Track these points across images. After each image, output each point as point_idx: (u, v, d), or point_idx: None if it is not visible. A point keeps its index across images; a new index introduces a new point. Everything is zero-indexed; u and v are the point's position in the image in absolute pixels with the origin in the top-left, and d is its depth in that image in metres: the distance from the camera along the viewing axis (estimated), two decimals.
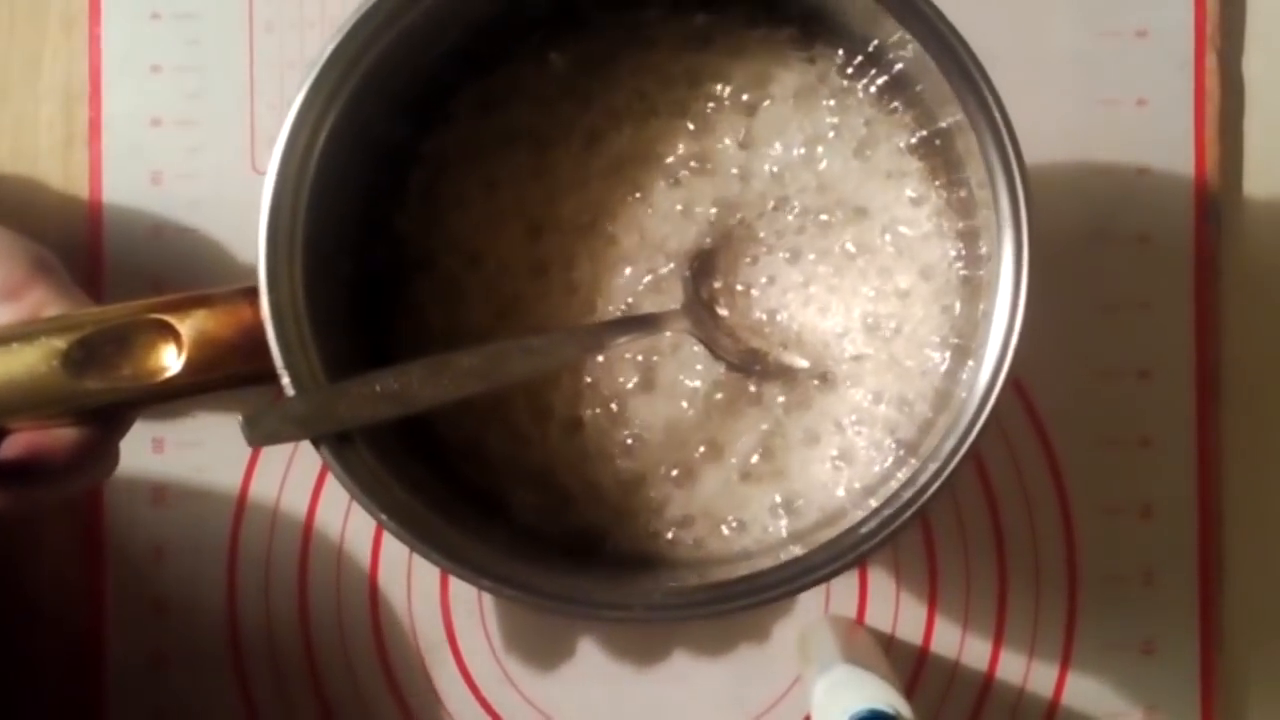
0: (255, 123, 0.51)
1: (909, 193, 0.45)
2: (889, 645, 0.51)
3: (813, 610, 0.51)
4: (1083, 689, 0.51)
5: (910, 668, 0.51)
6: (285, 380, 0.39)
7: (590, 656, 0.51)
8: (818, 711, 0.45)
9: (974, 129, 0.39)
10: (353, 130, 0.40)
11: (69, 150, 0.51)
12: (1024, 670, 0.51)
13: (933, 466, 0.38)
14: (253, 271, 0.39)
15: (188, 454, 0.51)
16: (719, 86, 0.45)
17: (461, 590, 0.51)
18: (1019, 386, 0.51)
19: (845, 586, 0.51)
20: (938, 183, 0.44)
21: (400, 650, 0.51)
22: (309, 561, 0.51)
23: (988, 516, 0.51)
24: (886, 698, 0.42)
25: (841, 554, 0.38)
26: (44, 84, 0.51)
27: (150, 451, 0.51)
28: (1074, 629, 0.51)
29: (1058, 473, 0.51)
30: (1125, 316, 0.51)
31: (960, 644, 0.51)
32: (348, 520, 0.51)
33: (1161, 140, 0.51)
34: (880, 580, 0.51)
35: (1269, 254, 0.51)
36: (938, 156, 0.44)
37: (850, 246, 0.45)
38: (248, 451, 0.50)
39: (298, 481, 0.51)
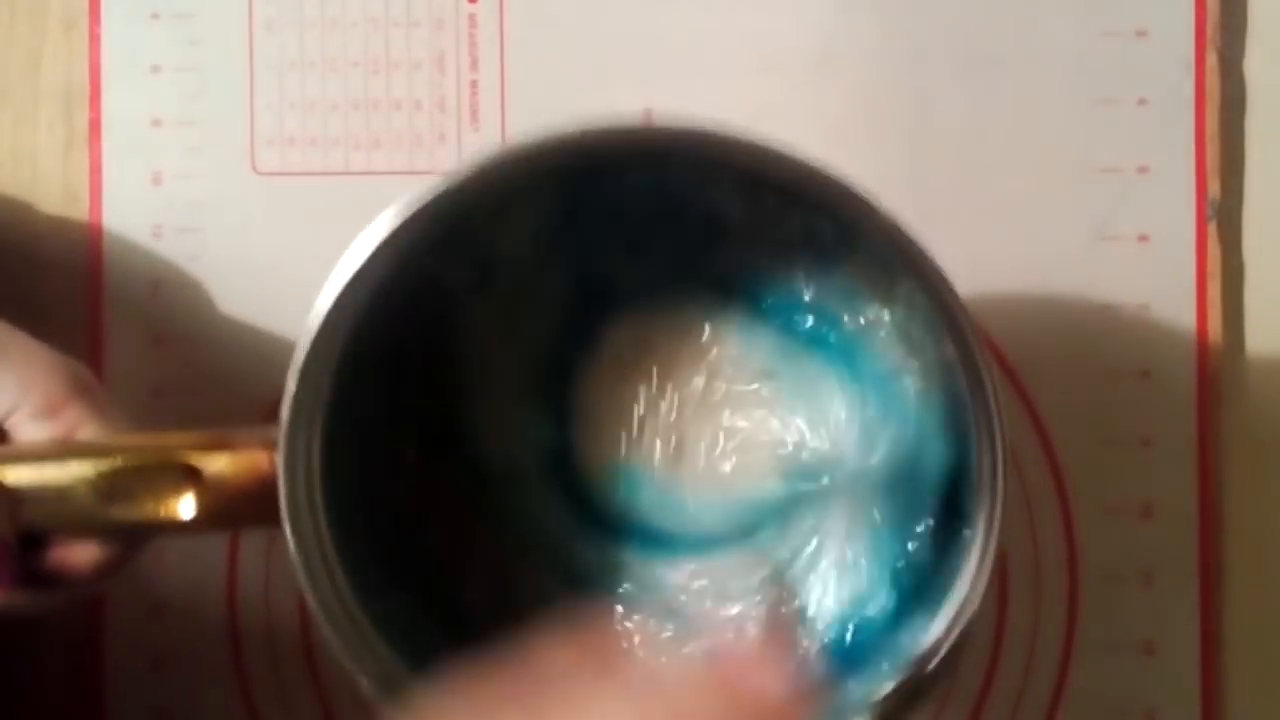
0: (255, 123, 0.51)
1: None
2: None
3: None
4: (1083, 689, 0.51)
5: None
6: (292, 546, 0.40)
7: None
8: None
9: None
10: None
11: (69, 150, 0.51)
12: (1023, 670, 0.51)
13: None
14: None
15: None
16: None
17: None
18: (1019, 386, 0.51)
19: None
20: None
21: None
22: None
23: None
24: None
25: None
26: (44, 84, 0.51)
27: None
28: (1074, 629, 0.51)
29: (1058, 473, 0.51)
30: (1125, 316, 0.51)
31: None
32: None
33: (1161, 140, 0.51)
34: None
35: (1269, 253, 0.51)
36: None
37: None
38: None
39: None
